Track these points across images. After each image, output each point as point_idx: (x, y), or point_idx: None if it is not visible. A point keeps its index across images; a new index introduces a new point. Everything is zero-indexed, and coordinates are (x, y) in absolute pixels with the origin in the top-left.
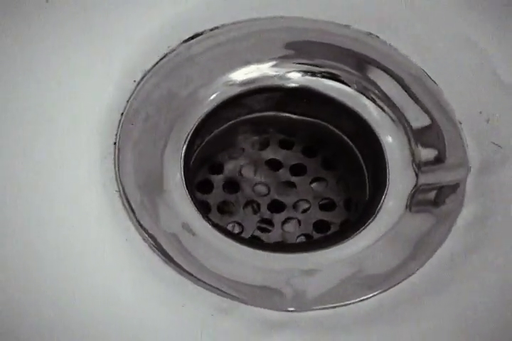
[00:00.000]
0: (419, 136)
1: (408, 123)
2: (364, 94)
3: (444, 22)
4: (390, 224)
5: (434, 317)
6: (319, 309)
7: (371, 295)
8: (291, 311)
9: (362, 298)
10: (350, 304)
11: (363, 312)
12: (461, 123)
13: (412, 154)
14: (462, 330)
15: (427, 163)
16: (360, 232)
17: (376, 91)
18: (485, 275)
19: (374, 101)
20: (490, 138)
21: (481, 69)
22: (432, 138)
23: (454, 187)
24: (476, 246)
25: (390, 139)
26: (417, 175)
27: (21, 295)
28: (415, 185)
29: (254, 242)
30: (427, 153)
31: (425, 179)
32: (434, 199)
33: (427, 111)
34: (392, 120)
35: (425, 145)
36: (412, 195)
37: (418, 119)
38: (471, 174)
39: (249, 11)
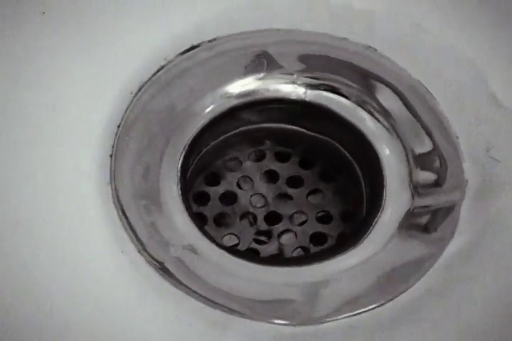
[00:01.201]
0: (418, 156)
1: (407, 142)
2: (362, 107)
3: (442, 36)
4: (381, 244)
5: (429, 332)
6: (318, 323)
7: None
8: (292, 325)
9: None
10: (347, 317)
11: (360, 326)
12: (457, 137)
13: (410, 169)
14: None
15: (425, 184)
16: (349, 251)
17: (374, 104)
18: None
19: (372, 114)
20: (487, 151)
21: (475, 83)
22: (430, 157)
23: (449, 211)
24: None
25: (388, 151)
26: (413, 191)
27: (14, 309)
28: (410, 206)
29: (249, 255)
30: (424, 172)
31: (420, 201)
32: (426, 224)
33: (424, 127)
34: (390, 133)
35: (423, 161)
36: (405, 218)
37: (417, 138)
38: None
39: (246, 23)
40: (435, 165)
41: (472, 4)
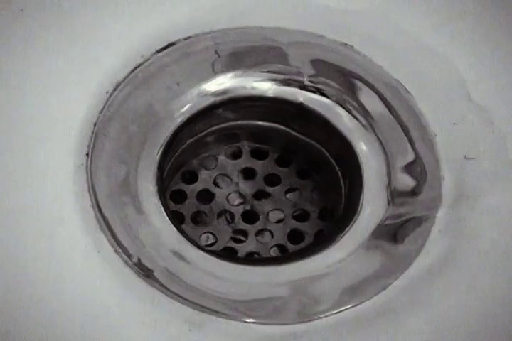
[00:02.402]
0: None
1: (386, 141)
2: (340, 105)
3: (418, 34)
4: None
5: (410, 328)
6: (298, 323)
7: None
8: (269, 324)
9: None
10: (327, 316)
11: (340, 323)
12: (436, 135)
13: (388, 169)
14: None
15: (402, 186)
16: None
17: (352, 101)
18: None
19: (349, 112)
20: (464, 150)
21: (452, 82)
22: (409, 157)
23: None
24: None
25: (364, 147)
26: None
27: None
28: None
29: (227, 255)
30: (403, 174)
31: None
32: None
33: (401, 124)
34: (368, 131)
35: (401, 162)
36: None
37: (396, 137)
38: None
39: (223, 21)
40: (414, 168)
41: (450, 3)
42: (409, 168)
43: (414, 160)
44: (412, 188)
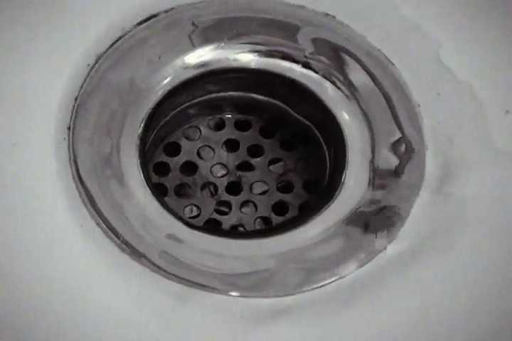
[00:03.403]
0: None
1: (370, 112)
2: (324, 76)
3: (400, 7)
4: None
5: (392, 302)
6: (282, 296)
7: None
8: (254, 297)
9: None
10: (312, 290)
11: (324, 297)
12: (419, 105)
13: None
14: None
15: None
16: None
17: (336, 73)
18: None
19: (334, 84)
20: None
21: (433, 53)
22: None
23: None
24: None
25: (347, 117)
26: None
27: None
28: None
29: (209, 228)
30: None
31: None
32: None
33: (385, 94)
34: (349, 100)
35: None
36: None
37: (378, 107)
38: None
39: None
40: (399, 144)
41: None
42: (394, 146)
43: (400, 137)
44: (395, 167)
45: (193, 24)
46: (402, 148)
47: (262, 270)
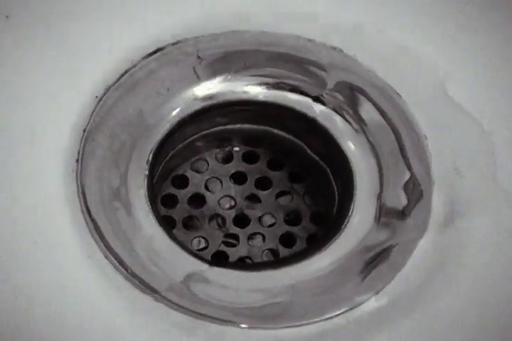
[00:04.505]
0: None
1: (378, 145)
2: (333, 110)
3: (407, 38)
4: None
5: (401, 334)
6: (286, 327)
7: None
8: (262, 328)
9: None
10: (318, 321)
11: (330, 329)
12: (426, 138)
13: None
14: None
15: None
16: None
17: (345, 107)
18: None
19: (343, 117)
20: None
21: (436, 84)
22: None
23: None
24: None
25: (355, 150)
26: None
27: None
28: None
29: (218, 260)
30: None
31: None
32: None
33: (393, 128)
34: (357, 133)
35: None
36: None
37: (388, 141)
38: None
39: (211, 25)
40: (408, 185)
41: (438, 10)
42: (402, 184)
43: (409, 177)
44: (403, 207)
45: (198, 57)
46: (410, 186)
47: (273, 302)
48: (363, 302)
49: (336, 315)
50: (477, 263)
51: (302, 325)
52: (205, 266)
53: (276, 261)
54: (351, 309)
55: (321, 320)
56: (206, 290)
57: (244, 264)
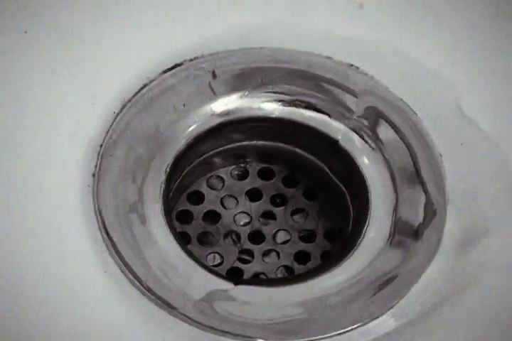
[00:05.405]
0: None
1: (394, 163)
2: (349, 127)
3: (423, 56)
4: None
5: None
6: None
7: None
8: None
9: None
10: (334, 336)
11: None
12: (441, 155)
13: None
14: None
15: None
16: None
17: (361, 125)
18: None
19: (359, 135)
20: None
21: (452, 103)
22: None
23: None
24: None
25: (370, 167)
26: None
27: None
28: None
29: (233, 277)
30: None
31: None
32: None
33: (408, 146)
34: (374, 150)
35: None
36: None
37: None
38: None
39: (228, 42)
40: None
41: (454, 28)
42: (416, 203)
43: (424, 198)
44: (417, 226)
45: (215, 73)
46: (425, 204)
47: (290, 318)
48: (375, 318)
49: (350, 330)
50: (492, 285)
51: (318, 339)
52: (224, 283)
53: (292, 278)
54: (364, 324)
55: (335, 335)
56: (226, 307)
57: (262, 280)
